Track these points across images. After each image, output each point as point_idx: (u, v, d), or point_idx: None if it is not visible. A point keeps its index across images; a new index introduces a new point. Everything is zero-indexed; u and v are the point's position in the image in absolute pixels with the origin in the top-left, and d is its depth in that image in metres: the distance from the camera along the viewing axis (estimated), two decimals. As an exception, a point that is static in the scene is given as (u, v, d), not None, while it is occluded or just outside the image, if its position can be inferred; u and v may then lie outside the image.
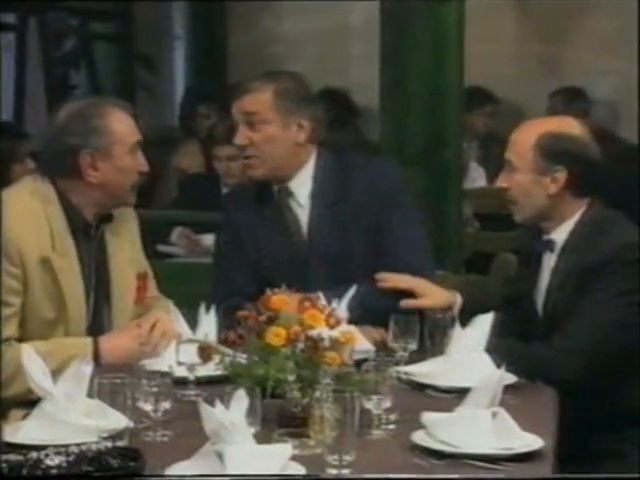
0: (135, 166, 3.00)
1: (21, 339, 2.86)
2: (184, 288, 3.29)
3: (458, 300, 3.07)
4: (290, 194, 3.26)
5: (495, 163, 6.37)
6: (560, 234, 2.97)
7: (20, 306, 2.87)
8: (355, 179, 3.25)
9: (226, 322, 2.63)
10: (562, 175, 2.92)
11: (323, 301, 2.54)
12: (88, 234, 3.01)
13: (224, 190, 5.42)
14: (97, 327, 2.99)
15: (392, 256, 3.20)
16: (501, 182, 3.01)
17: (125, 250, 3.09)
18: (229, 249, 3.31)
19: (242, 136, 3.22)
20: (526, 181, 2.95)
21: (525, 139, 2.95)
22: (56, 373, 2.41)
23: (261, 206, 3.30)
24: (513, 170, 2.96)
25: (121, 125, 2.97)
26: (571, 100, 6.60)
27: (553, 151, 2.92)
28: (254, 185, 3.32)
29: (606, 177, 3.02)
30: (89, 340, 2.90)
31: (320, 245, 3.23)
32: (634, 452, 2.84)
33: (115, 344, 2.90)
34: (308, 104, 3.25)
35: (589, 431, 2.87)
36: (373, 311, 2.95)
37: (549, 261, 2.99)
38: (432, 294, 3.08)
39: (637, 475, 2.63)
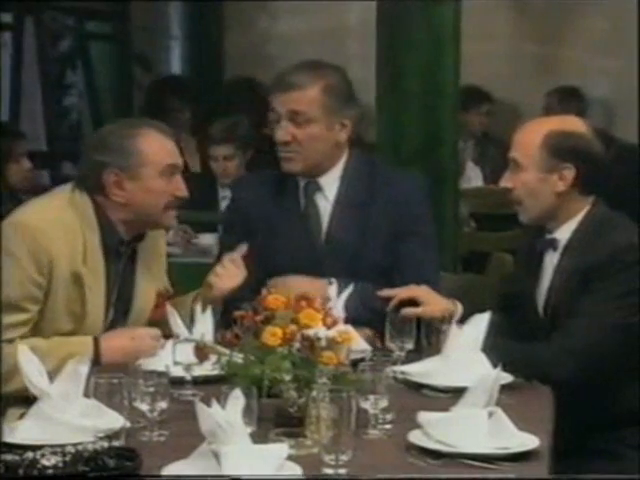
0: (168, 189, 2.95)
1: None
2: (181, 288, 3.29)
3: (459, 309, 3.05)
4: (319, 189, 3.24)
5: (491, 163, 6.40)
6: (564, 233, 2.96)
7: (36, 313, 2.86)
8: (382, 188, 3.24)
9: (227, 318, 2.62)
10: (570, 172, 2.92)
11: (334, 289, 2.55)
12: (119, 252, 2.99)
13: (220, 190, 5.43)
14: None
15: (402, 270, 3.20)
16: (506, 182, 3.00)
17: (151, 268, 3.09)
18: (238, 237, 3.21)
19: (285, 132, 3.15)
20: (533, 180, 2.93)
21: (531, 138, 2.94)
22: (56, 370, 2.40)
23: (280, 197, 3.27)
24: (519, 169, 2.95)
25: (152, 146, 2.93)
26: (567, 100, 6.60)
27: (561, 149, 2.91)
28: (271, 175, 3.29)
29: (609, 174, 3.02)
30: (89, 338, 2.89)
31: (338, 242, 3.21)
32: (630, 453, 2.84)
33: (115, 343, 2.89)
34: (352, 103, 3.22)
35: (585, 431, 2.87)
36: (373, 310, 2.95)
37: (551, 260, 2.98)
38: (433, 303, 3.05)
39: (637, 475, 2.63)
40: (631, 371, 2.89)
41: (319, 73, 3.17)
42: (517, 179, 2.96)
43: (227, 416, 2.09)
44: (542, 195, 2.94)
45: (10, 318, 2.81)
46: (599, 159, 2.96)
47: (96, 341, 2.88)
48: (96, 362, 2.75)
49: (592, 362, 2.80)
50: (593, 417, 2.87)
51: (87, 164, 2.98)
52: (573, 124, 2.99)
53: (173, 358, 2.61)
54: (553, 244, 2.97)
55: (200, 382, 2.63)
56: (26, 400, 2.44)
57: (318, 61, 3.29)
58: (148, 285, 3.07)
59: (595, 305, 2.83)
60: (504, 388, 2.48)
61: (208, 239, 5.21)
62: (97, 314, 2.93)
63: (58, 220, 2.90)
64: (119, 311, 3.01)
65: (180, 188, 2.98)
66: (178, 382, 2.59)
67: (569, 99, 6.61)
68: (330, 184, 3.25)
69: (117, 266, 2.99)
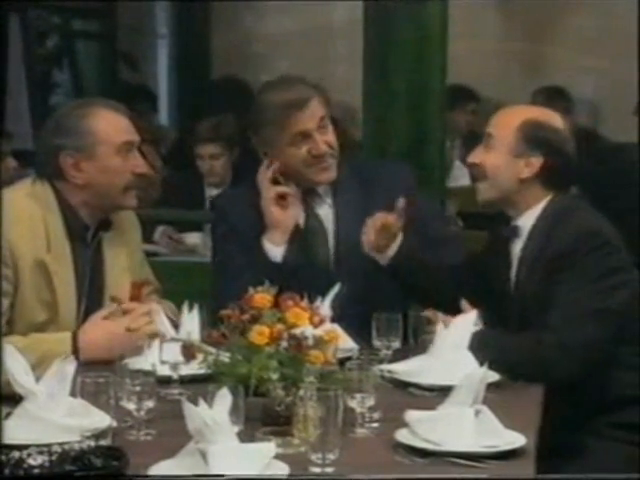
0: (126, 167, 2.95)
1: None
2: (167, 287, 3.29)
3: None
4: (318, 195, 3.26)
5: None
6: (526, 220, 2.99)
7: (8, 307, 2.86)
8: (374, 183, 3.26)
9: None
10: (537, 161, 2.96)
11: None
12: (85, 239, 2.98)
13: (207, 189, 5.42)
14: None
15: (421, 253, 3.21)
16: (474, 158, 3.04)
17: (122, 259, 3.07)
18: (235, 256, 3.21)
19: (322, 142, 3.18)
20: (501, 160, 2.97)
21: (509, 120, 2.99)
22: (35, 368, 2.39)
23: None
24: (490, 147, 2.99)
25: (105, 125, 2.93)
26: (553, 98, 6.62)
27: (534, 137, 2.95)
28: (251, 187, 3.26)
29: (575, 175, 3.06)
30: (68, 334, 2.88)
31: (348, 246, 3.21)
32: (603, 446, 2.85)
33: (94, 338, 2.86)
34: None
35: (571, 424, 2.88)
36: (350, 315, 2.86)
37: (516, 248, 3.01)
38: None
39: (637, 475, 2.64)
40: (618, 355, 2.90)
41: (303, 81, 3.25)
42: (486, 156, 3.00)
43: (214, 415, 2.09)
44: (505, 177, 2.97)
45: None
46: (568, 156, 3.00)
47: (74, 336, 2.87)
48: (76, 357, 2.74)
49: (584, 354, 2.81)
50: (581, 407, 2.87)
51: (44, 149, 2.97)
52: (552, 118, 3.03)
53: (160, 357, 2.60)
54: (515, 231, 3.00)
55: (187, 381, 2.62)
56: (12, 399, 2.43)
57: (285, 76, 3.52)
58: (119, 275, 3.04)
59: (567, 296, 2.83)
60: (490, 386, 2.48)
61: (194, 238, 5.20)
62: (68, 302, 2.92)
63: (17, 210, 2.89)
64: (93, 301, 2.99)
65: (138, 164, 2.97)
66: (165, 381, 2.59)
67: (555, 98, 6.63)
68: (326, 188, 3.26)
69: (85, 254, 2.98)
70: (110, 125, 2.94)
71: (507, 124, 2.98)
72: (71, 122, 2.93)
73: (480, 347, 2.73)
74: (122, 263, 3.06)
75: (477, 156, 3.03)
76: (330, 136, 3.21)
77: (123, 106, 3.02)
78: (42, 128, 3.01)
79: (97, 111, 2.95)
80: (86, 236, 2.98)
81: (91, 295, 2.99)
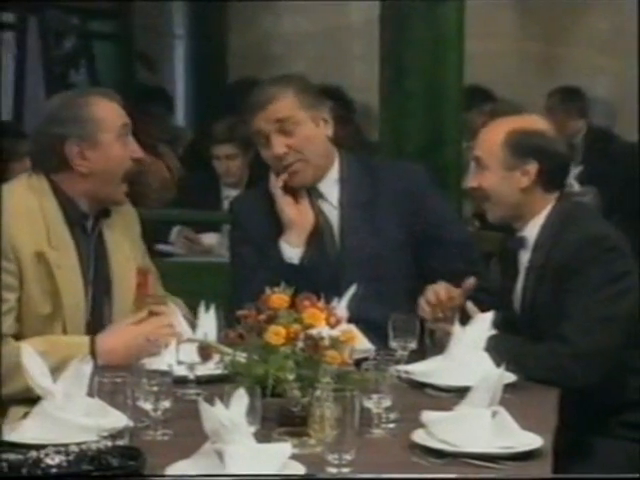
0: (126, 153, 2.99)
1: (18, 335, 2.85)
2: (183, 287, 3.29)
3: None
4: (321, 196, 3.25)
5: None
6: (531, 230, 2.99)
7: (15, 302, 2.87)
8: (384, 182, 3.25)
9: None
10: (533, 167, 2.96)
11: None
12: (85, 228, 3.00)
13: (223, 189, 5.43)
14: (97, 323, 2.98)
15: (438, 259, 3.22)
16: (472, 182, 3.05)
17: (125, 248, 3.09)
18: (252, 258, 3.22)
19: (280, 145, 3.15)
20: (497, 178, 2.98)
21: (493, 137, 3.00)
22: (52, 372, 2.40)
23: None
24: (482, 169, 3.00)
25: (105, 111, 2.97)
26: (569, 99, 6.60)
27: (522, 146, 2.96)
28: (265, 190, 3.27)
29: (569, 171, 3.08)
30: (86, 340, 2.89)
31: (354, 247, 3.21)
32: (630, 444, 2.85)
33: (113, 346, 2.88)
34: (323, 98, 3.27)
35: (588, 425, 2.88)
36: (364, 320, 2.83)
37: (524, 259, 3.00)
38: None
39: (637, 475, 2.63)
40: (628, 359, 2.89)
41: (284, 81, 3.24)
42: (482, 178, 3.00)
43: (231, 415, 2.09)
44: (506, 192, 2.97)
45: None
46: (560, 155, 3.01)
47: (92, 342, 2.88)
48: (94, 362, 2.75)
49: (598, 362, 2.80)
50: (593, 408, 2.87)
51: (45, 141, 2.97)
52: (534, 122, 3.04)
53: (176, 357, 2.61)
54: (522, 243, 2.99)
55: (203, 381, 2.63)
56: (29, 399, 2.44)
57: (277, 76, 3.41)
58: (124, 263, 3.06)
59: (579, 304, 2.83)
60: (507, 387, 2.48)
61: (210, 238, 5.21)
62: (74, 294, 2.92)
63: (16, 204, 2.91)
64: (100, 290, 3.00)
65: (135, 150, 3.01)
66: (181, 381, 2.60)
67: (571, 98, 6.61)
68: (330, 188, 3.25)
69: (87, 243, 3.00)
70: (108, 112, 2.98)
71: (491, 142, 2.99)
72: (73, 111, 2.96)
73: (495, 352, 2.73)
74: (126, 251, 3.08)
75: (473, 180, 3.04)
76: (296, 139, 3.15)
77: (113, 92, 3.05)
78: (38, 120, 3.02)
79: (95, 99, 2.98)
80: (86, 225, 3.00)
81: (97, 284, 3.01)
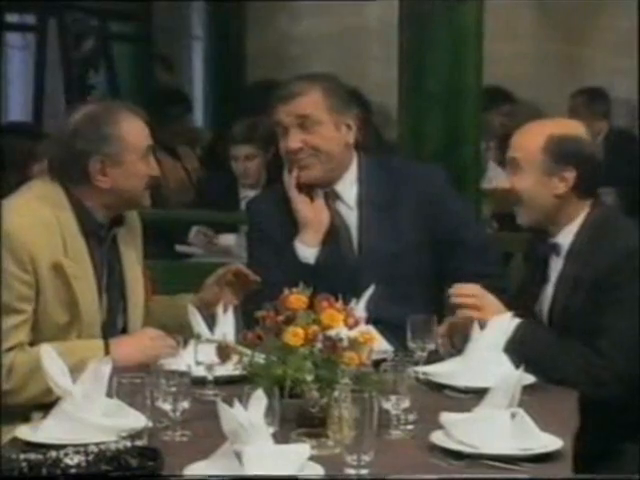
0: (147, 171, 2.99)
1: (33, 344, 2.82)
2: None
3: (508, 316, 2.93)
4: (337, 197, 3.24)
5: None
6: (565, 237, 2.95)
7: (32, 312, 2.85)
8: (403, 184, 3.24)
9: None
10: (571, 174, 2.92)
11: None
12: (100, 237, 3.00)
13: (241, 190, 5.44)
14: (111, 327, 2.99)
15: (457, 260, 3.21)
16: (506, 184, 3.00)
17: (133, 253, 3.10)
18: (269, 259, 3.21)
19: (295, 139, 3.15)
20: (534, 182, 2.93)
21: (532, 140, 2.95)
22: (69, 374, 2.40)
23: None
24: (519, 171, 2.95)
25: (133, 132, 2.96)
26: (593, 100, 6.57)
27: (562, 153, 2.92)
28: (282, 191, 3.26)
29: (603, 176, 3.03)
30: (100, 344, 2.88)
31: (372, 248, 3.20)
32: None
33: (127, 351, 2.87)
34: (351, 104, 3.26)
35: (610, 432, 2.86)
36: (383, 321, 2.86)
37: (556, 266, 2.97)
38: (488, 309, 2.91)
39: (637, 476, 2.62)
40: None
41: (316, 79, 3.23)
42: (517, 181, 2.96)
43: (249, 416, 2.09)
44: (542, 197, 2.94)
45: (8, 322, 2.79)
46: (598, 163, 2.98)
47: (107, 347, 2.87)
48: None
49: (633, 379, 2.77)
50: (620, 418, 2.85)
51: (66, 154, 2.95)
52: (574, 128, 3.00)
53: (195, 358, 2.61)
54: (555, 249, 2.96)
55: (222, 382, 2.63)
56: (51, 405, 2.44)
57: (312, 73, 3.39)
58: (136, 269, 3.08)
59: (618, 323, 2.79)
60: (526, 389, 2.47)
61: (229, 239, 5.21)
62: (90, 303, 2.92)
63: (32, 215, 2.89)
64: (114, 297, 3.01)
65: (155, 167, 3.03)
66: (200, 382, 2.60)
67: (594, 100, 6.58)
68: (347, 189, 3.24)
69: (101, 252, 2.99)
70: (136, 131, 2.97)
71: (530, 145, 2.94)
72: (100, 128, 2.93)
73: (523, 340, 2.70)
74: (134, 257, 3.10)
75: (508, 182, 2.98)
76: (313, 137, 3.15)
77: (141, 109, 3.04)
78: (62, 131, 2.98)
79: (124, 117, 2.96)
80: (101, 233, 3.00)
81: (111, 290, 3.01)
